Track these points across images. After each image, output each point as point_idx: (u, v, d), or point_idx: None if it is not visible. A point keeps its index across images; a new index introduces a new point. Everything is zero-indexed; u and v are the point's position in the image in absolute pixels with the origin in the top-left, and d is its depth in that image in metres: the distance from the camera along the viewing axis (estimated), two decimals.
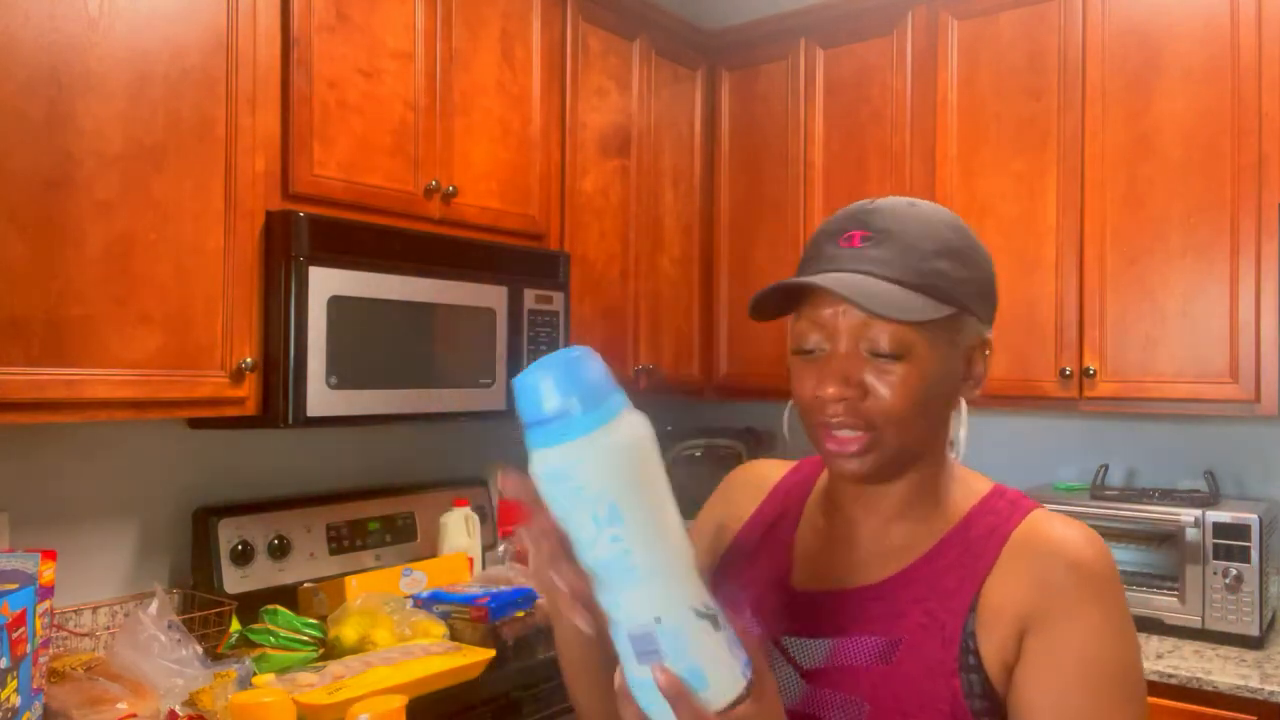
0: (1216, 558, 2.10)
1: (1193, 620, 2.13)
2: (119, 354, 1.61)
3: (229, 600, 1.96)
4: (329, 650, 1.84)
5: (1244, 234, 2.19)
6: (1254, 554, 2.07)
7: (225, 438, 2.14)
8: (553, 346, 2.34)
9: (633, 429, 0.65)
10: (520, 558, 2.44)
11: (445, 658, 1.78)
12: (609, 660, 0.72)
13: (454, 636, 1.95)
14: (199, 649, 1.67)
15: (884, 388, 0.80)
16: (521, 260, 2.29)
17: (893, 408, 0.80)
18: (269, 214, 1.84)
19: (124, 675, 1.58)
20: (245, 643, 1.82)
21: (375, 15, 2.03)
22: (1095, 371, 2.36)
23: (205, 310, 1.74)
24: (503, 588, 2.08)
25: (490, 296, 2.20)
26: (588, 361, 0.65)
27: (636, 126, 2.77)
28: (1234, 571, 2.08)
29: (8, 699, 1.31)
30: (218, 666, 1.65)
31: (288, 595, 2.08)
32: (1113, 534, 2.26)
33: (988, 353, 0.87)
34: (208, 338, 1.74)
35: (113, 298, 1.60)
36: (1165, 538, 2.21)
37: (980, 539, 0.84)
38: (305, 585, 2.11)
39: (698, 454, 3.17)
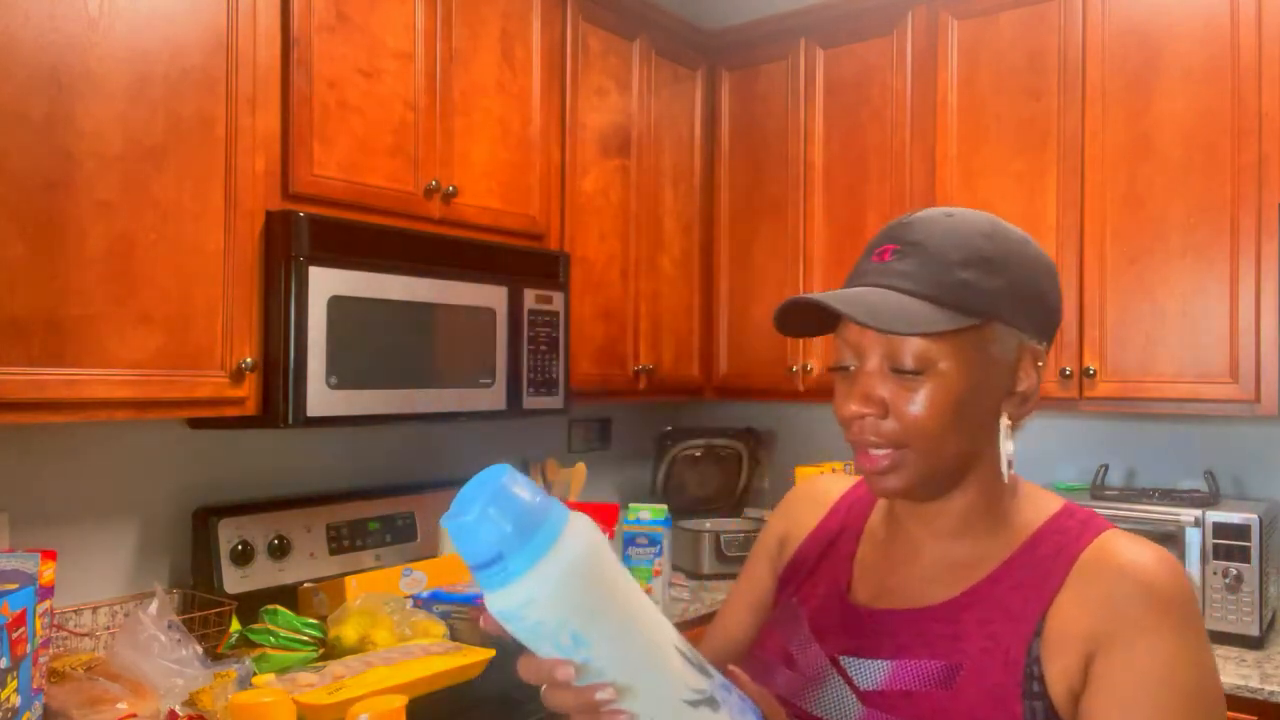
0: (1216, 558, 2.10)
1: None
2: (119, 354, 1.61)
3: (229, 600, 1.96)
4: (329, 650, 1.84)
5: (1244, 234, 2.19)
6: (1254, 554, 2.07)
7: (225, 438, 2.14)
8: (553, 346, 2.34)
9: (576, 544, 0.62)
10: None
11: (445, 658, 1.78)
12: None
13: (454, 636, 1.95)
14: (199, 649, 1.67)
15: (906, 404, 0.79)
16: (521, 260, 2.29)
17: (915, 424, 0.79)
18: (269, 214, 1.84)
19: (124, 675, 1.57)
20: (245, 643, 1.82)
21: (375, 15, 2.03)
22: (1095, 371, 2.36)
23: (205, 310, 1.74)
24: None
25: (490, 296, 2.20)
26: (512, 486, 0.61)
27: (636, 126, 2.77)
28: (1234, 571, 2.08)
29: (8, 699, 1.31)
30: (218, 666, 1.65)
31: (288, 595, 2.08)
32: None
33: (1040, 364, 0.83)
34: (208, 338, 1.74)
35: (113, 298, 1.60)
36: (1165, 538, 2.21)
37: (1047, 559, 0.81)
38: (305, 585, 2.11)
39: (698, 454, 3.17)
